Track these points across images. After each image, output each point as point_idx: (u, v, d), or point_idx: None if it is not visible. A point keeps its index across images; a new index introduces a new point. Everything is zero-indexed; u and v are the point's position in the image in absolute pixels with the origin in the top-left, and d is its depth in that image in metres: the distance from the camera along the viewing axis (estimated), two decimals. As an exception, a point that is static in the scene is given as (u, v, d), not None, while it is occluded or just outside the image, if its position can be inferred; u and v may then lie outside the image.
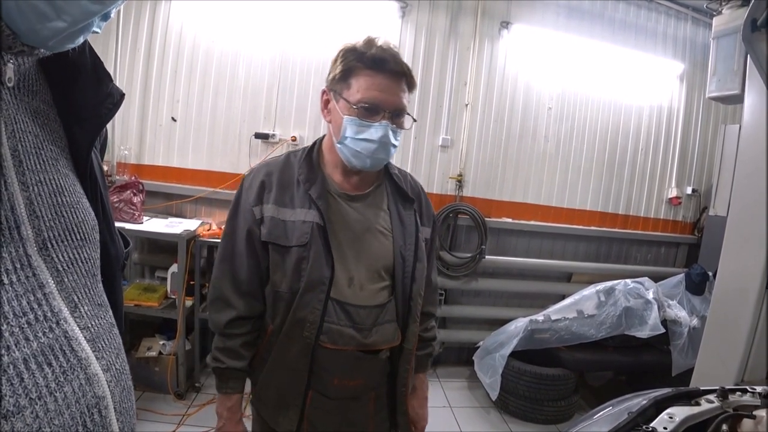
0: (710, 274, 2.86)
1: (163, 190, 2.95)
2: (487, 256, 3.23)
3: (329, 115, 1.07)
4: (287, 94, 3.04)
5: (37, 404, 0.36)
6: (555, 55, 3.31)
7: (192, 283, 2.60)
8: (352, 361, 1.03)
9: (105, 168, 2.83)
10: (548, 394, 2.69)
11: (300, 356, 1.01)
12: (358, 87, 0.98)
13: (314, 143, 1.14)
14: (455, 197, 3.26)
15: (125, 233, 0.64)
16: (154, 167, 2.97)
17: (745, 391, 0.89)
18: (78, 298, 0.45)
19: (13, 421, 0.34)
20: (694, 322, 2.76)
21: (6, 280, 0.37)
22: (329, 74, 1.04)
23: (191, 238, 2.56)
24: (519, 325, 2.74)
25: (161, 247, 2.88)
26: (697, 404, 0.84)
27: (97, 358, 0.44)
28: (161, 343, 2.59)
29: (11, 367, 0.35)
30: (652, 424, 0.76)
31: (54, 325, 0.40)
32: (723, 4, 2.05)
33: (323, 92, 1.07)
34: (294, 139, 3.03)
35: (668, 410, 0.80)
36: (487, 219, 3.24)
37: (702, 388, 0.90)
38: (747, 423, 0.78)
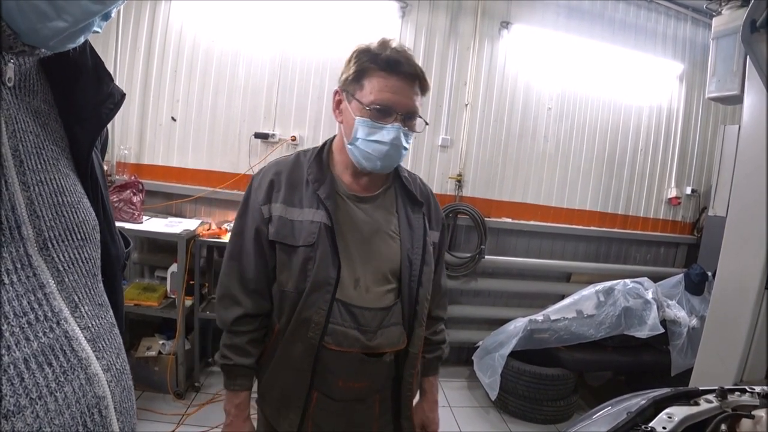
0: (709, 274, 2.86)
1: (163, 189, 2.95)
2: (486, 256, 3.24)
3: (341, 116, 1.06)
4: (287, 94, 3.04)
5: (37, 404, 0.36)
6: (555, 55, 3.31)
7: (191, 282, 2.60)
8: (356, 364, 1.02)
9: (105, 168, 2.83)
10: (547, 394, 2.70)
11: (304, 357, 1.01)
12: (371, 88, 0.98)
13: (324, 143, 1.13)
14: (455, 197, 3.26)
15: (125, 233, 0.64)
16: (153, 167, 2.97)
17: (744, 391, 0.89)
18: (78, 298, 0.45)
19: (13, 421, 0.34)
20: (694, 322, 2.77)
21: (6, 280, 0.37)
22: (342, 75, 1.04)
23: (191, 237, 2.56)
24: (518, 325, 2.74)
25: (161, 247, 2.88)
26: (696, 404, 0.84)
27: (98, 358, 0.44)
28: (161, 342, 2.59)
29: (11, 366, 0.35)
30: (651, 424, 0.76)
31: (54, 325, 0.40)
32: (723, 4, 2.05)
33: (335, 92, 1.06)
34: (294, 138, 3.03)
35: (667, 410, 0.80)
36: (486, 219, 3.25)
37: (701, 388, 0.90)
38: (746, 423, 0.78)
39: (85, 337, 0.44)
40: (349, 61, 1.02)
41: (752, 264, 1.62)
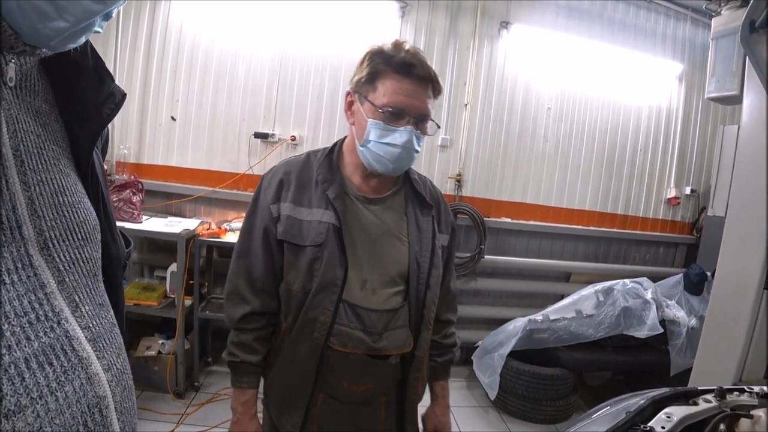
0: (709, 274, 2.87)
1: (163, 189, 2.95)
2: (486, 256, 3.24)
3: (352, 117, 1.06)
4: (287, 94, 3.03)
5: (38, 404, 0.36)
6: (554, 55, 3.31)
7: (191, 282, 2.60)
8: (360, 366, 1.02)
9: (105, 167, 2.83)
10: (547, 394, 2.70)
11: (309, 357, 1.01)
12: (385, 91, 0.98)
13: (335, 144, 1.13)
14: (454, 197, 3.26)
15: (124, 232, 0.64)
16: (153, 166, 2.97)
17: (742, 391, 0.89)
18: (79, 297, 0.45)
19: (14, 421, 0.34)
20: (693, 322, 2.77)
21: (7, 280, 0.37)
22: (354, 76, 1.03)
23: (190, 237, 2.56)
24: (518, 324, 2.74)
25: (160, 247, 2.88)
26: (695, 404, 0.84)
27: (98, 358, 0.44)
28: (160, 342, 2.59)
29: (12, 366, 0.35)
30: (649, 424, 0.76)
31: (55, 325, 0.40)
32: (722, 4, 2.05)
33: (347, 93, 1.06)
34: (293, 138, 3.03)
35: (666, 410, 0.81)
36: (486, 219, 3.25)
37: (700, 387, 0.90)
38: (744, 423, 0.78)
39: (86, 337, 0.44)
40: (362, 62, 1.01)
41: (751, 264, 1.62)
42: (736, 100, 1.94)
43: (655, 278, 3.02)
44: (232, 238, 2.72)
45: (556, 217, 3.45)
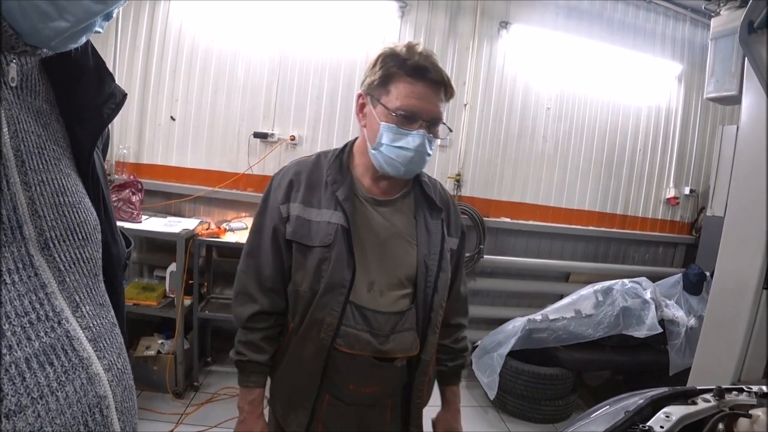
0: (708, 274, 2.87)
1: (162, 189, 2.95)
2: (485, 256, 3.24)
3: (364, 119, 1.06)
4: (286, 94, 3.03)
5: (38, 403, 0.36)
6: (554, 56, 3.31)
7: (190, 282, 2.60)
8: (367, 368, 1.02)
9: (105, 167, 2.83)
10: (546, 394, 2.70)
11: (315, 358, 1.01)
12: (398, 94, 0.98)
13: (345, 145, 1.13)
14: (454, 197, 3.25)
15: (125, 232, 0.64)
16: (152, 166, 2.97)
17: (741, 391, 0.89)
18: (80, 297, 0.45)
19: (14, 421, 0.34)
20: (692, 321, 2.77)
21: (8, 280, 0.37)
22: (366, 78, 1.03)
23: (190, 237, 2.56)
24: (517, 324, 2.75)
25: (160, 246, 2.87)
26: (694, 403, 0.84)
27: (99, 358, 0.44)
28: (160, 342, 2.59)
29: (13, 366, 0.35)
30: (648, 423, 0.76)
31: (56, 325, 0.41)
32: (721, 5, 2.06)
33: (359, 96, 1.06)
34: (293, 138, 3.03)
35: (665, 409, 0.81)
36: (485, 219, 3.25)
37: (699, 387, 0.90)
38: (743, 422, 0.78)
39: (87, 337, 0.44)
40: (374, 64, 1.01)
41: (750, 264, 1.63)
42: (735, 100, 1.94)
43: (654, 278, 3.03)
44: (231, 237, 2.72)
45: (555, 217, 3.46)
